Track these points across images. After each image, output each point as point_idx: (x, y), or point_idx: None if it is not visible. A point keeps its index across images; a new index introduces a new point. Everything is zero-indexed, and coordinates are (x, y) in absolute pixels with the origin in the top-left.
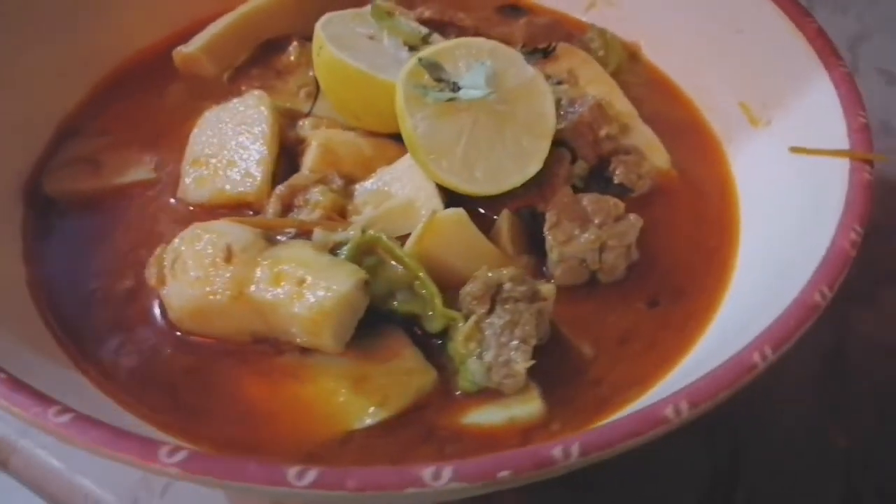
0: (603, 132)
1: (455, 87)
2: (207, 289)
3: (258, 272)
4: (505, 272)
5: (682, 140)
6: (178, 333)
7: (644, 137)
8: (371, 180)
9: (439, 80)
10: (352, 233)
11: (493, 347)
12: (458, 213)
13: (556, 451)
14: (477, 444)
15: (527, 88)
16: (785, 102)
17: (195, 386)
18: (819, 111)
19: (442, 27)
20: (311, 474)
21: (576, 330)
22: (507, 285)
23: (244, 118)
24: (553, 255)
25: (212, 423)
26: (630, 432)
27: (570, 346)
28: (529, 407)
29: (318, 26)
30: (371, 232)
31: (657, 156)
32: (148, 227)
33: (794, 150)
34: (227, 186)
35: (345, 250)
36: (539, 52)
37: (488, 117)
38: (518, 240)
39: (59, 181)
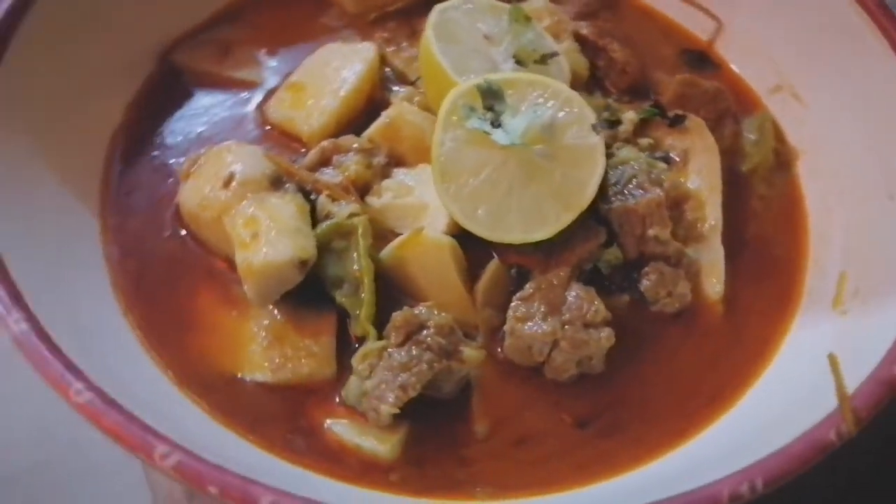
0: (652, 231)
1: (496, 124)
2: (201, 201)
3: (240, 207)
4: (434, 317)
5: (760, 282)
6: (182, 230)
7: (711, 256)
8: (409, 171)
9: (490, 109)
10: (343, 210)
11: (377, 378)
12: (447, 240)
13: None
14: (320, 448)
15: (580, 153)
16: (872, 307)
17: (164, 277)
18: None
19: (594, 50)
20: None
21: (488, 405)
22: (428, 331)
23: (346, 64)
24: (506, 325)
25: (157, 310)
26: None
27: (470, 417)
28: (381, 447)
29: (438, 7)
30: (356, 220)
31: (711, 282)
32: (224, 125)
33: (831, 359)
34: (295, 119)
35: (325, 224)
36: (665, 118)
37: (521, 165)
38: (493, 293)
39: (187, 55)
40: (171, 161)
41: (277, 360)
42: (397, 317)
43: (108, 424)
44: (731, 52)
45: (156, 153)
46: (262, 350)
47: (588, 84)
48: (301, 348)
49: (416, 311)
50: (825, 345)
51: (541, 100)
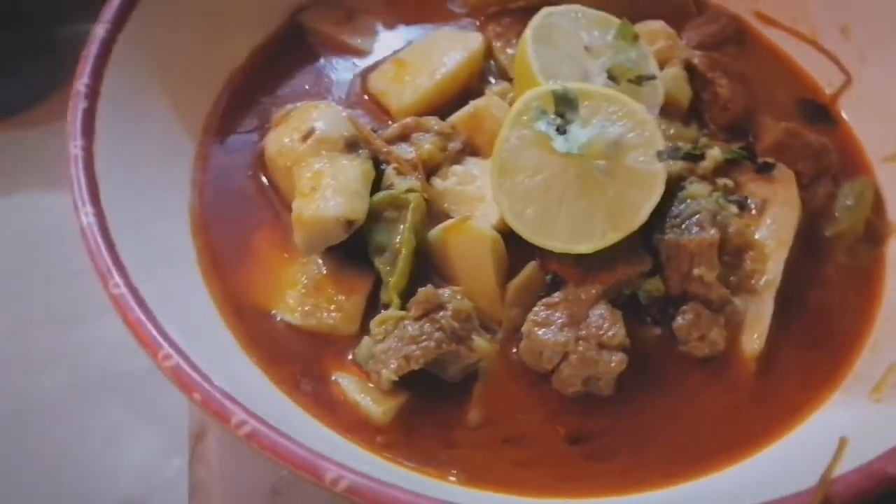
0: (698, 271)
1: (562, 130)
2: (280, 149)
3: (311, 161)
4: (455, 301)
5: (808, 351)
6: (262, 173)
7: (759, 311)
8: (480, 161)
9: (561, 116)
10: (404, 184)
11: (387, 344)
12: (491, 234)
13: None
14: (322, 395)
15: (639, 176)
16: None
17: (235, 210)
18: None
19: (702, 81)
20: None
21: (488, 397)
22: (445, 312)
23: (450, 50)
24: (524, 326)
25: (219, 237)
26: None
27: (468, 404)
28: (376, 408)
29: (545, 10)
30: (411, 195)
31: (751, 337)
32: (328, 86)
33: (841, 441)
34: (389, 92)
35: (382, 193)
36: (752, 163)
37: (579, 176)
38: (524, 294)
39: (314, 15)
40: (273, 109)
41: (308, 308)
42: (421, 292)
43: (130, 318)
44: (854, 110)
45: (263, 99)
46: (299, 295)
47: (687, 114)
48: (333, 301)
49: (440, 292)
50: (847, 427)
51: (614, 116)
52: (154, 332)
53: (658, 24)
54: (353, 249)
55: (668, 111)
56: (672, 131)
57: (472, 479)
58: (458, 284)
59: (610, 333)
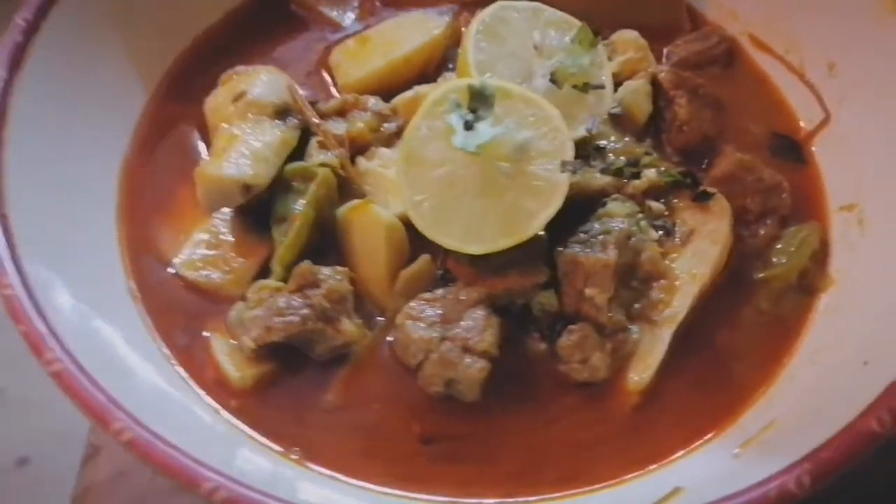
0: (589, 291)
1: (470, 126)
2: (214, 107)
3: (235, 122)
4: (332, 281)
5: (699, 393)
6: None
7: (653, 343)
8: None
9: (473, 111)
10: (319, 157)
11: (256, 312)
12: (388, 220)
13: None
14: (193, 350)
15: (540, 185)
16: (758, 462)
17: (167, 158)
18: None
19: (666, 98)
20: None
21: (351, 383)
22: (318, 290)
23: (412, 33)
24: (398, 318)
25: (144, 179)
26: None
27: (329, 385)
28: (236, 373)
29: (502, 2)
30: (321, 169)
31: (639, 368)
32: (292, 54)
33: (674, 490)
34: (342, 67)
35: (295, 164)
36: (691, 189)
37: (481, 175)
38: (412, 286)
39: None
40: (231, 69)
41: (202, 264)
42: (298, 267)
43: None
44: (825, 151)
45: (228, 59)
46: (197, 251)
47: (643, 130)
48: (226, 262)
49: (321, 270)
50: (695, 477)
51: (528, 120)
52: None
53: (631, 35)
54: (263, 216)
55: (623, 124)
56: (618, 145)
57: (310, 458)
58: (355, 266)
59: (477, 339)
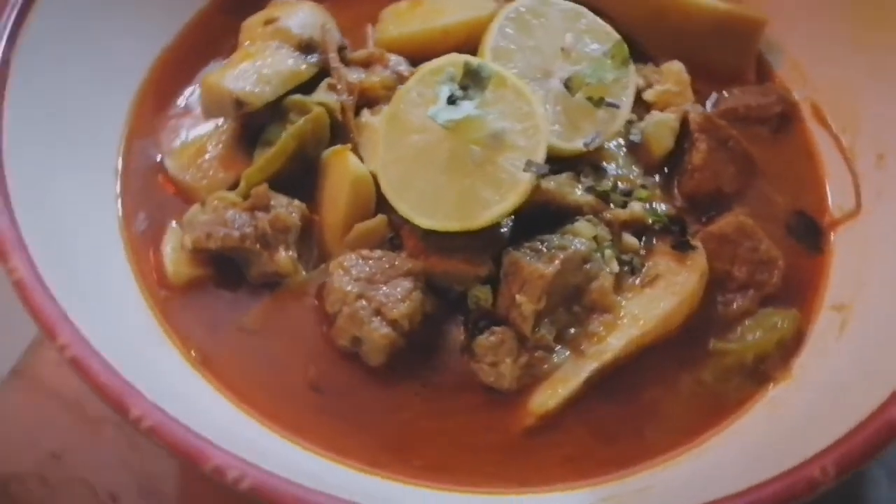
0: (520, 298)
1: (451, 100)
2: (249, 25)
3: (258, 43)
4: (281, 210)
5: (600, 436)
6: None
7: (570, 373)
8: None
9: (464, 88)
10: (320, 96)
11: (206, 218)
12: (356, 171)
13: None
14: (150, 238)
15: (501, 178)
16: None
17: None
18: None
19: (689, 139)
20: None
21: (269, 312)
22: (266, 215)
23: (462, 7)
24: (331, 265)
25: (169, 82)
26: None
27: (250, 309)
28: (171, 266)
29: None
30: (316, 108)
31: (547, 393)
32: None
33: None
34: (384, 23)
35: (295, 96)
36: (672, 236)
37: (451, 152)
38: (362, 240)
39: None
40: None
41: (186, 161)
42: (257, 188)
43: None
44: (844, 244)
45: None
46: (188, 151)
47: (657, 166)
48: (207, 168)
49: (276, 196)
50: None
51: (512, 110)
52: None
53: (677, 66)
54: (258, 138)
55: (638, 153)
56: (620, 171)
57: (207, 366)
58: (320, 208)
59: (391, 306)
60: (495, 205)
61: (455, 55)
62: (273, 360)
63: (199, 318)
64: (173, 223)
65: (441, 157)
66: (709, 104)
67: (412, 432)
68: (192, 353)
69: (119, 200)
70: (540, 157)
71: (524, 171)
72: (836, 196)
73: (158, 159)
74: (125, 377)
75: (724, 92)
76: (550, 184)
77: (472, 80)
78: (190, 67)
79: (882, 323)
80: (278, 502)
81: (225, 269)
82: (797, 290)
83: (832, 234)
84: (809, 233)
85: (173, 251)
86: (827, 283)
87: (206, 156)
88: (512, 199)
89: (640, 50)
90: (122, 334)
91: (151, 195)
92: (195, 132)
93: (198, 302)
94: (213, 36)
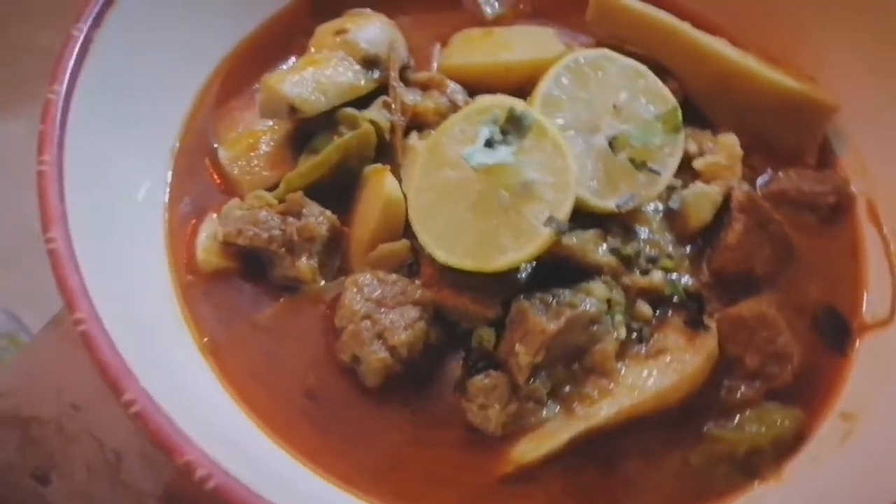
0: (518, 347)
1: (489, 143)
2: (321, 32)
3: (325, 52)
4: (312, 219)
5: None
6: None
7: (557, 431)
8: None
9: (504, 133)
10: (372, 114)
11: (241, 214)
12: (390, 194)
13: None
14: (189, 222)
15: (522, 227)
16: None
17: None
18: None
19: (728, 216)
20: None
21: (286, 314)
22: (297, 222)
23: (527, 46)
24: (347, 280)
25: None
26: None
27: (265, 306)
28: (202, 253)
29: (609, 52)
30: (365, 125)
31: (531, 445)
32: (429, 20)
33: None
34: (451, 49)
35: (348, 109)
36: (686, 311)
37: (481, 193)
38: (384, 261)
39: None
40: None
41: (238, 153)
42: (293, 194)
43: None
44: (867, 351)
45: None
46: (243, 144)
47: (690, 238)
48: (255, 164)
49: (309, 205)
50: None
51: (547, 164)
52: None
53: (731, 140)
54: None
55: (673, 222)
56: (652, 235)
57: (215, 355)
58: (353, 222)
59: (395, 331)
60: (512, 252)
61: (503, 97)
62: (277, 360)
63: (218, 307)
64: (213, 213)
65: (470, 196)
66: (761, 181)
67: (392, 457)
68: (205, 340)
69: (169, 181)
70: (564, 214)
71: (544, 225)
72: (872, 300)
73: (214, 147)
74: (125, 358)
75: (780, 172)
76: (573, 240)
77: (514, 126)
78: (263, 63)
79: (885, 442)
80: (152, 433)
81: (251, 265)
82: (808, 389)
83: (859, 338)
84: (836, 331)
85: (207, 239)
86: (841, 388)
87: (257, 152)
88: (528, 249)
89: (701, 116)
90: (140, 312)
91: (200, 181)
92: (253, 127)
93: (219, 292)
94: (291, 36)
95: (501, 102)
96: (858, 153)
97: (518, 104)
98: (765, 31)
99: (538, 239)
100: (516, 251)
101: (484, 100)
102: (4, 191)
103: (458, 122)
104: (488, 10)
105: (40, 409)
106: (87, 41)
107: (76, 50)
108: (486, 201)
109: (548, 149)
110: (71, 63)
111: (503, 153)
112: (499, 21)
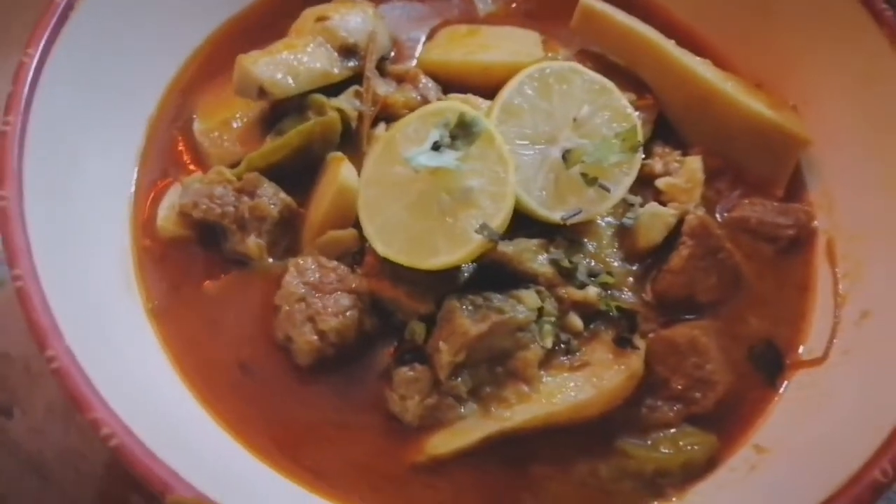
0: (443, 345)
1: (437, 147)
2: (304, 15)
3: (305, 37)
4: (265, 199)
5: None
6: None
7: (471, 429)
8: None
9: (453, 137)
10: (342, 102)
11: (197, 188)
12: (346, 182)
13: None
14: (159, 191)
15: (455, 231)
16: None
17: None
18: None
19: (687, 237)
20: None
21: (234, 286)
22: (248, 200)
23: (508, 48)
24: (290, 262)
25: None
26: None
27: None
28: (161, 219)
29: (576, 65)
30: (331, 113)
31: (445, 439)
32: (418, 13)
33: None
34: (433, 45)
35: (318, 95)
36: (617, 328)
37: (421, 192)
38: (331, 247)
39: None
40: None
41: (212, 127)
42: (250, 174)
43: None
44: (795, 387)
45: None
46: (218, 118)
47: (639, 257)
48: (226, 139)
49: (264, 185)
50: None
51: (489, 173)
52: None
53: (695, 164)
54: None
55: (623, 238)
56: (600, 250)
57: (157, 319)
58: (309, 203)
59: (324, 316)
60: (443, 255)
61: (457, 103)
62: (216, 329)
63: (169, 272)
64: (178, 182)
65: (412, 195)
66: (725, 206)
67: (312, 434)
68: (154, 303)
69: (141, 144)
70: (497, 223)
71: (477, 232)
72: (812, 337)
73: (193, 117)
74: (55, 314)
75: (746, 199)
76: (509, 248)
77: (463, 132)
78: (252, 40)
79: (788, 478)
80: (133, 466)
81: (208, 236)
82: (729, 417)
83: (790, 374)
84: (769, 365)
85: (168, 208)
86: (762, 420)
87: (230, 127)
88: (459, 254)
89: (675, 134)
90: (88, 272)
91: (172, 149)
92: (230, 103)
93: (173, 258)
94: (282, 14)
95: (454, 107)
96: (828, 189)
97: (469, 111)
98: (755, 54)
99: (470, 244)
100: (448, 254)
101: (439, 103)
102: None
103: (413, 122)
104: (481, 6)
105: (9, 346)
106: (68, 7)
107: (57, 14)
108: (427, 202)
109: (492, 158)
110: (50, 26)
111: (446, 158)
112: (490, 18)
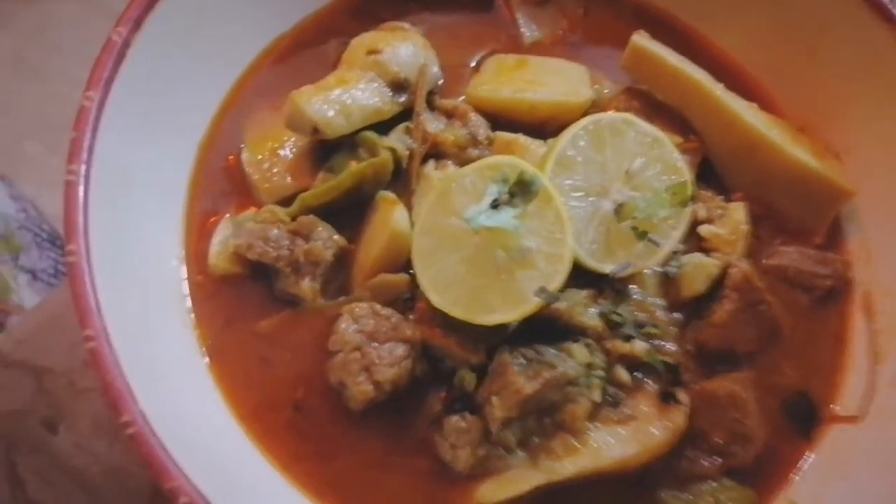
0: (495, 399)
1: (495, 205)
2: (355, 45)
3: (356, 70)
4: (319, 243)
5: None
6: None
7: (520, 479)
8: None
9: (511, 195)
10: (392, 141)
11: (251, 228)
12: (398, 228)
13: None
14: (205, 223)
15: (513, 291)
16: None
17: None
18: None
19: (731, 290)
20: None
21: (287, 327)
22: (304, 244)
23: (557, 85)
24: (345, 307)
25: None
26: None
27: (267, 314)
28: (214, 259)
29: (628, 117)
30: (383, 153)
31: (494, 488)
32: (463, 39)
33: None
34: (481, 77)
35: (371, 133)
36: (661, 384)
37: (478, 248)
38: (383, 291)
39: None
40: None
41: (260, 158)
42: (304, 217)
43: None
44: (828, 442)
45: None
46: (266, 148)
47: (682, 306)
48: (275, 172)
49: (319, 229)
50: None
51: (546, 233)
52: None
53: (739, 215)
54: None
55: (667, 287)
56: (646, 298)
57: (213, 357)
58: (361, 243)
59: (379, 367)
60: (499, 313)
61: (516, 158)
62: (271, 369)
63: (222, 309)
64: (228, 215)
65: (468, 249)
66: (764, 253)
67: (362, 477)
68: (209, 341)
69: (192, 174)
70: (555, 286)
71: (535, 295)
72: (848, 392)
73: (241, 146)
74: (129, 380)
75: (784, 247)
76: (563, 304)
77: (521, 190)
78: (298, 63)
79: None
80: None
81: (259, 273)
82: (766, 470)
83: (827, 430)
84: (804, 418)
85: (220, 243)
86: (796, 475)
87: (279, 157)
88: (514, 314)
89: (717, 178)
90: (145, 304)
91: (223, 179)
92: (278, 131)
93: (225, 295)
94: (328, 36)
95: (514, 163)
96: (867, 241)
97: (528, 168)
98: (804, 97)
99: (526, 306)
100: (503, 313)
101: (498, 157)
102: None
103: (470, 174)
104: (527, 34)
105: (54, 361)
106: (125, 45)
107: (114, 54)
108: (483, 258)
109: (550, 218)
110: (109, 66)
111: (504, 217)
112: (535, 47)
